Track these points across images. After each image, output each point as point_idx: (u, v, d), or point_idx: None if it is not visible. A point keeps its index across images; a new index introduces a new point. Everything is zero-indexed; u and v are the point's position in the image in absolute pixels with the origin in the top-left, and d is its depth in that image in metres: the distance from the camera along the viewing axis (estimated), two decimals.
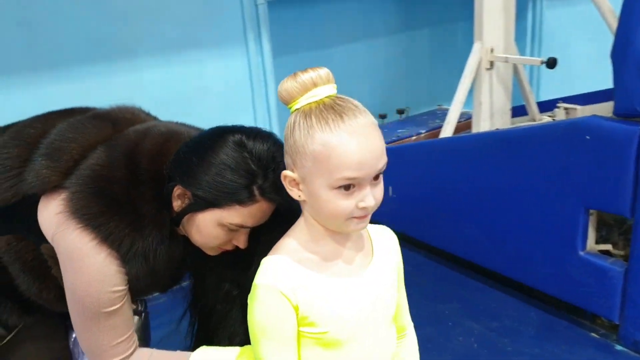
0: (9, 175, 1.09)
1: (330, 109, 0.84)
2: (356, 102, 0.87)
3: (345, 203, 0.85)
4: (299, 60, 3.31)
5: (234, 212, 1.03)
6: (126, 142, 1.11)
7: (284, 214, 1.04)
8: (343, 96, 0.88)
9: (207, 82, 2.74)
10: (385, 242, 1.02)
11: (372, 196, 0.86)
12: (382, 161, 0.86)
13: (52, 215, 1.05)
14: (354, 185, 0.85)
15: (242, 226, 1.05)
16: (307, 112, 0.85)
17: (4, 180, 1.08)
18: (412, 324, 1.13)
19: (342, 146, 0.82)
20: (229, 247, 1.11)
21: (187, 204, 1.05)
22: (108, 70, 2.45)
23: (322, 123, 0.84)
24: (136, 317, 1.26)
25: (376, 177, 0.87)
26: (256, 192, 1.02)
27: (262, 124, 2.92)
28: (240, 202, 1.02)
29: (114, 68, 2.46)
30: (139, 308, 1.29)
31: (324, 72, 0.87)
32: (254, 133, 1.06)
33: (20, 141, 1.13)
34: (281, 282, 0.89)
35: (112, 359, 1.10)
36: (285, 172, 0.90)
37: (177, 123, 1.27)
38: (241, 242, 1.09)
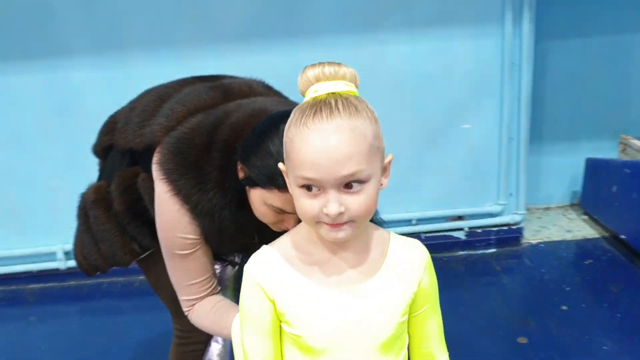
0: (140, 125, 1.30)
1: (314, 106, 0.80)
2: (351, 104, 0.80)
3: (309, 203, 0.80)
4: (576, 47, 2.86)
5: (275, 196, 1.06)
6: (221, 113, 1.21)
7: None
8: (348, 96, 0.81)
9: (453, 61, 2.62)
10: (406, 261, 0.90)
11: (340, 203, 0.78)
12: (346, 168, 0.76)
13: (154, 164, 1.23)
14: (317, 188, 0.78)
15: (282, 210, 1.06)
16: (300, 107, 0.82)
17: (137, 129, 1.31)
18: (445, 355, 0.98)
19: (299, 143, 0.78)
20: (284, 228, 1.12)
21: (244, 178, 1.10)
22: (354, 43, 2.56)
23: (297, 118, 0.80)
24: (229, 267, 1.38)
25: (348, 185, 0.78)
26: None
27: (509, 113, 2.69)
28: (279, 188, 1.04)
29: (359, 40, 2.55)
30: (236, 259, 1.40)
31: (329, 68, 0.82)
32: None
33: (157, 98, 1.33)
34: (260, 274, 0.88)
35: (186, 296, 1.25)
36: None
37: (282, 101, 1.31)
38: (290, 225, 1.10)
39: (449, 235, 2.92)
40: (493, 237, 2.91)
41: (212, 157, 1.15)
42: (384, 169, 0.86)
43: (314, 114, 0.78)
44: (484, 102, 2.68)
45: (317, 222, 0.81)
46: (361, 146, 0.78)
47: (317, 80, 0.82)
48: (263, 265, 0.89)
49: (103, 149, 1.47)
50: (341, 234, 0.81)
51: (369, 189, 0.80)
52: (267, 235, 1.29)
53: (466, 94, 2.68)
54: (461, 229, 2.91)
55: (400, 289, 0.89)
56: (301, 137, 0.78)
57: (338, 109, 0.78)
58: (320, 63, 0.83)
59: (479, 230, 2.92)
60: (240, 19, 2.53)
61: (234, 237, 1.21)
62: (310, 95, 0.82)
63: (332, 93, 0.80)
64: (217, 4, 2.49)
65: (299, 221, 1.10)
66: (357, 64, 2.67)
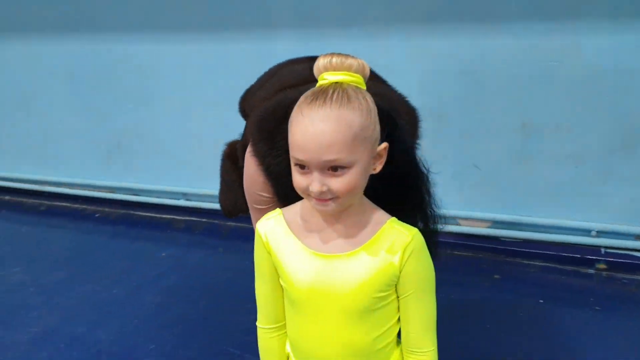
0: (254, 95, 1.49)
1: (314, 94, 0.89)
2: (346, 95, 0.88)
3: (299, 179, 0.91)
4: None
5: None
6: (304, 90, 1.31)
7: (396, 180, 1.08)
8: (348, 86, 0.88)
9: None
10: (391, 243, 0.95)
11: (323, 184, 0.88)
12: (329, 154, 0.85)
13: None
14: (308, 167, 0.88)
15: None
16: (306, 93, 0.92)
17: (252, 98, 1.50)
18: (430, 348, 1.00)
19: (295, 126, 0.89)
20: None
21: None
22: (545, 30, 2.37)
23: (299, 103, 0.91)
24: None
25: (334, 168, 0.86)
26: None
27: None
28: None
29: (552, 28, 2.35)
30: None
31: (337, 59, 0.91)
32: None
33: (270, 73, 1.52)
34: (264, 229, 1.02)
35: None
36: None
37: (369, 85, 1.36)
38: None
39: (635, 256, 2.57)
40: None
41: (284, 129, 1.28)
42: (379, 155, 0.92)
43: (310, 101, 0.87)
44: None
45: (307, 194, 0.91)
46: (345, 135, 0.85)
47: (325, 69, 0.90)
48: (268, 224, 1.02)
49: (241, 112, 1.71)
50: (327, 207, 0.90)
51: (352, 173, 0.87)
52: None
53: None
54: None
55: (379, 266, 0.94)
56: (297, 121, 0.88)
57: (331, 99, 0.86)
58: (330, 54, 0.90)
59: None
60: (428, 1, 2.54)
61: None
62: (319, 82, 0.90)
63: (335, 82, 0.88)
64: None
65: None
66: (548, 53, 2.53)
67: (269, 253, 1.01)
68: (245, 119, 1.72)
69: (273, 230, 1.01)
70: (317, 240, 0.97)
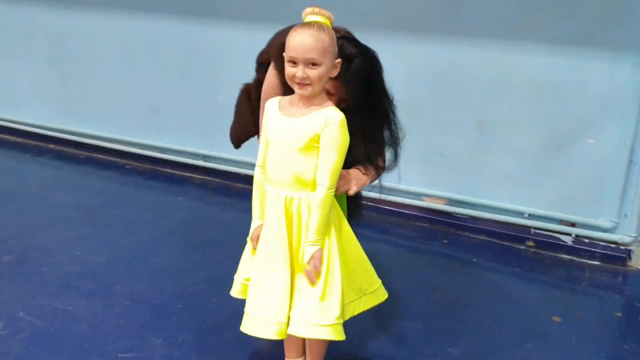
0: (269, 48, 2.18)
1: (304, 24, 1.58)
2: (321, 27, 1.56)
3: (290, 70, 1.58)
4: None
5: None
6: None
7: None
8: (324, 23, 1.57)
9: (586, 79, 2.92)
10: (320, 118, 1.62)
11: (305, 73, 1.55)
12: (309, 54, 1.53)
13: None
14: (295, 62, 1.55)
15: None
16: (298, 24, 1.60)
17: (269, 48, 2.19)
18: (323, 185, 1.64)
19: (290, 39, 1.56)
20: None
21: None
22: (502, 47, 3.02)
23: (293, 28, 1.59)
24: None
25: (312, 64, 1.54)
26: None
27: (633, 137, 2.90)
28: None
29: (504, 47, 3.01)
30: None
31: (317, 9, 1.59)
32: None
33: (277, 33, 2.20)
34: (267, 105, 1.72)
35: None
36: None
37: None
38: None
39: (557, 237, 3.18)
40: (599, 250, 3.08)
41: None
42: (334, 66, 1.61)
43: (301, 26, 1.55)
44: (610, 122, 2.91)
45: (293, 81, 1.58)
46: (319, 46, 1.53)
47: (311, 13, 1.58)
48: (271, 101, 1.73)
49: (257, 65, 2.35)
50: (305, 91, 1.58)
51: (320, 69, 1.55)
52: None
53: (594, 111, 2.94)
54: (569, 235, 3.15)
55: (312, 127, 1.61)
56: (291, 36, 1.55)
57: (313, 27, 1.54)
58: (313, 6, 1.58)
59: (586, 240, 3.12)
60: (414, 15, 3.23)
61: None
62: (305, 21, 1.58)
63: (315, 21, 1.56)
64: None
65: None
66: (502, 66, 3.18)
67: (267, 119, 1.71)
68: (259, 70, 2.38)
69: (271, 107, 1.72)
70: (289, 113, 1.66)
